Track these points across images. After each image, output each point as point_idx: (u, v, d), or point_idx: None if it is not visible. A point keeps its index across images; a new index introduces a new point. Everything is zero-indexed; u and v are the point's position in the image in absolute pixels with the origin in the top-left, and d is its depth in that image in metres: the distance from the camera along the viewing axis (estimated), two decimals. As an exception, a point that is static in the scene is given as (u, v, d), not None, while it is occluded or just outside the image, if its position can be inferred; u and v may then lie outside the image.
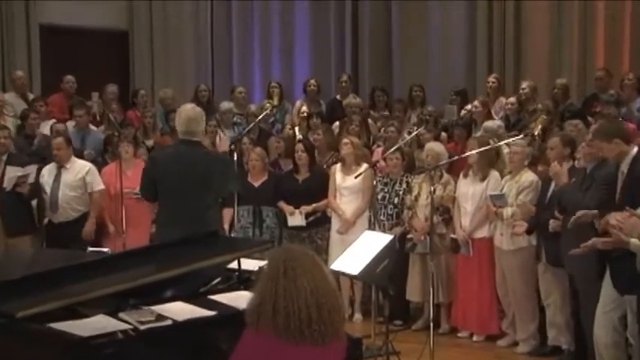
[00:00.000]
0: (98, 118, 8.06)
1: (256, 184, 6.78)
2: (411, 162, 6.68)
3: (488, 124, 6.79)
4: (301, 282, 2.46)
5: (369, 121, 8.11)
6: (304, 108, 8.33)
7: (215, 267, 3.48)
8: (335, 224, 6.58)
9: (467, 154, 5.83)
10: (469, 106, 7.64)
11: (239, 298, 3.08)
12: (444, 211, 6.11)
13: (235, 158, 5.65)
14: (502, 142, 5.94)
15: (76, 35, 9.57)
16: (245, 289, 3.25)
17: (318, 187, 6.61)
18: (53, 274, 3.10)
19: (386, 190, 6.52)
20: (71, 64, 9.08)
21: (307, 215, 6.58)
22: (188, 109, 4.67)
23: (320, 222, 6.64)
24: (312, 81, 8.87)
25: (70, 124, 7.64)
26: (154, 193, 4.59)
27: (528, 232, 5.51)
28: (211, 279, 3.48)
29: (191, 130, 4.57)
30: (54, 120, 7.76)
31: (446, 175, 6.26)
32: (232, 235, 6.38)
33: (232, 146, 5.74)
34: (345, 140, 6.62)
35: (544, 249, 5.39)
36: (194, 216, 4.40)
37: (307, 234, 6.61)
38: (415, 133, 6.88)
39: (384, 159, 6.50)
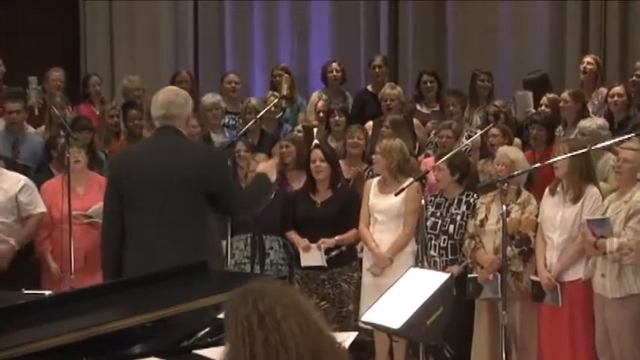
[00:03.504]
0: (37, 112, 8.12)
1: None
2: (473, 177, 6.68)
3: (586, 123, 6.80)
4: (288, 325, 2.37)
5: (415, 121, 8.13)
6: (321, 103, 8.38)
7: (202, 312, 3.50)
8: (367, 262, 6.58)
9: (555, 159, 5.83)
10: (544, 98, 7.61)
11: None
12: (522, 241, 6.09)
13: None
14: (604, 144, 5.93)
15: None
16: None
17: (343, 212, 6.61)
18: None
19: (438, 214, 6.53)
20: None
21: (328, 251, 6.59)
22: (168, 90, 4.78)
23: (345, 259, 6.65)
24: (335, 65, 8.93)
25: (-2, 122, 7.73)
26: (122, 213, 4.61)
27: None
28: (197, 328, 3.50)
29: (171, 113, 4.62)
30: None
31: (525, 193, 6.26)
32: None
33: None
34: (381, 145, 6.62)
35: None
36: (176, 236, 4.42)
37: (328, 275, 6.62)
38: (479, 135, 6.88)
39: (433, 169, 6.52)
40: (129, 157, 4.90)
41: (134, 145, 6.76)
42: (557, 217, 6.00)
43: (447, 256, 6.43)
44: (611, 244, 5.65)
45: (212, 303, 3.53)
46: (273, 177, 4.91)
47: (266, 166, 4.95)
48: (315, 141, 7.59)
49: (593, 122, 6.83)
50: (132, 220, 4.58)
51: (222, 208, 4.72)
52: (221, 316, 3.65)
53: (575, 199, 5.96)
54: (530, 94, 7.79)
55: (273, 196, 6.74)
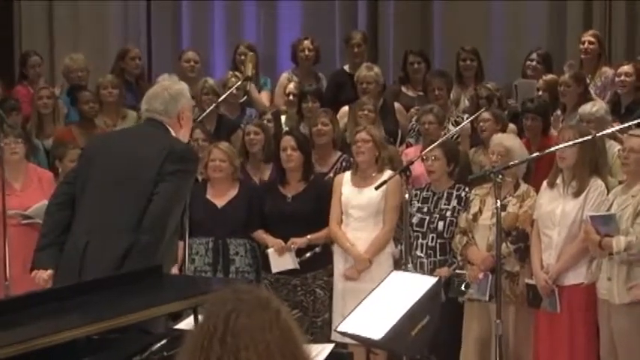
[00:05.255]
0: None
1: (220, 202, 6.80)
2: (464, 168, 6.71)
3: (586, 108, 6.84)
4: (247, 357, 2.40)
5: (397, 105, 8.15)
6: (292, 85, 8.38)
7: (158, 322, 3.54)
8: (340, 265, 6.61)
9: (561, 146, 5.85)
10: (541, 81, 7.67)
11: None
12: (519, 237, 6.13)
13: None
14: (609, 131, 5.99)
15: None
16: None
17: (318, 207, 6.64)
18: None
19: (425, 209, 6.55)
20: None
21: (300, 252, 6.61)
22: (161, 84, 4.99)
23: (320, 262, 6.68)
24: (307, 43, 8.92)
25: None
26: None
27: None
28: (152, 341, 3.51)
29: (154, 108, 4.73)
30: None
31: (524, 185, 6.30)
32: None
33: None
34: (360, 134, 6.65)
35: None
36: (127, 235, 4.41)
37: (301, 281, 6.64)
38: (469, 120, 6.90)
39: (423, 160, 6.54)
40: (100, 141, 5.11)
41: (116, 130, 7.00)
42: (556, 212, 6.04)
43: (435, 256, 6.46)
44: (618, 243, 5.67)
45: (168, 312, 3.54)
46: None
47: None
48: (286, 127, 7.61)
49: (594, 106, 6.85)
50: (82, 207, 4.61)
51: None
52: (180, 326, 3.68)
53: (578, 193, 6.00)
54: (534, 82, 7.82)
55: (236, 192, 6.77)
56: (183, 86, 4.94)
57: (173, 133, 4.73)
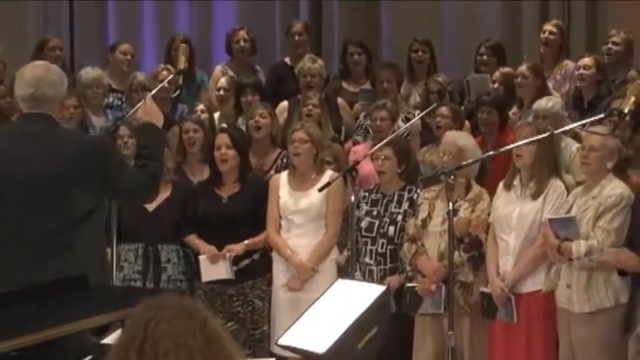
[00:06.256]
0: None
1: (150, 205, 6.67)
2: (413, 168, 6.74)
3: (541, 103, 6.89)
4: None
5: (340, 100, 8.15)
6: (224, 79, 8.35)
7: (82, 336, 3.47)
8: (280, 275, 6.60)
9: (516, 144, 5.88)
10: (497, 73, 7.73)
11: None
12: (473, 244, 6.16)
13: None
14: (570, 127, 6.05)
15: None
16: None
17: (255, 209, 6.64)
18: None
19: (374, 213, 6.56)
20: None
21: (237, 259, 6.59)
22: (36, 65, 4.66)
23: (258, 270, 6.67)
24: (242, 33, 8.92)
25: None
26: None
27: (620, 270, 5.60)
28: (75, 357, 3.47)
29: (42, 93, 4.51)
30: None
31: (476, 187, 6.32)
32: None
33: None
34: (297, 133, 6.64)
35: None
36: (47, 242, 4.36)
37: (238, 290, 6.62)
38: (421, 115, 6.92)
39: (372, 158, 6.53)
40: None
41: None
42: (513, 215, 6.07)
43: (385, 264, 6.48)
44: (578, 247, 5.71)
45: (94, 325, 3.50)
46: (159, 121, 4.82)
47: (147, 111, 4.80)
48: (224, 124, 7.58)
49: (549, 101, 6.91)
50: None
51: (121, 199, 4.75)
52: (107, 340, 3.63)
53: (536, 194, 6.04)
54: (488, 77, 7.87)
55: (168, 194, 6.73)
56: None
57: None
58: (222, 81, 8.30)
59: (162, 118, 4.86)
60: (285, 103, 7.99)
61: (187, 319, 2.51)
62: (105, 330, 4.02)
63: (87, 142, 4.70)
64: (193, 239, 6.66)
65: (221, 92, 8.20)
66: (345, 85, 8.53)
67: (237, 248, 6.56)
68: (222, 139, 6.69)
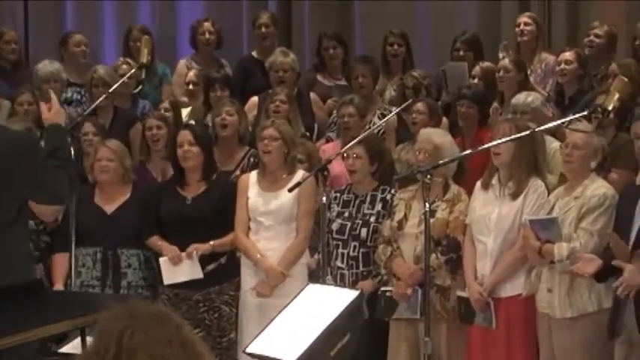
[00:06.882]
0: None
1: (109, 208, 6.75)
2: (388, 167, 6.73)
3: (520, 98, 6.92)
4: None
5: (312, 95, 8.15)
6: (192, 73, 8.33)
7: (29, 346, 3.45)
8: (248, 279, 6.59)
9: (496, 142, 5.88)
10: (477, 68, 7.76)
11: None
12: (450, 247, 6.17)
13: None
14: (552, 124, 6.05)
15: None
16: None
17: (221, 210, 6.63)
18: None
19: (346, 214, 6.56)
20: None
21: (202, 263, 6.56)
22: None
23: (225, 274, 6.66)
24: (207, 25, 8.91)
25: None
26: None
27: (599, 275, 5.55)
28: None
29: None
30: None
31: (454, 187, 6.33)
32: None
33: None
34: (267, 130, 6.61)
35: (630, 315, 5.44)
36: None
37: (204, 296, 6.60)
38: (395, 112, 6.91)
39: (343, 157, 6.52)
40: None
41: None
42: (491, 216, 6.07)
43: (357, 267, 6.48)
44: (560, 250, 5.71)
45: (52, 333, 3.48)
46: (63, 119, 4.84)
47: (53, 110, 4.81)
48: (187, 120, 7.56)
49: (528, 96, 6.92)
50: None
51: (41, 199, 4.70)
52: (65, 349, 3.60)
53: (515, 194, 6.04)
54: (465, 65, 7.88)
55: (128, 196, 6.70)
56: None
57: None
58: (191, 74, 8.29)
59: (64, 115, 4.90)
60: (255, 99, 7.97)
61: (161, 326, 2.51)
62: (63, 339, 4.00)
63: (14, 137, 4.68)
64: (156, 241, 6.63)
65: (190, 86, 8.19)
66: (320, 78, 8.53)
67: (203, 247, 6.54)
68: (185, 135, 6.66)
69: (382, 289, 6.29)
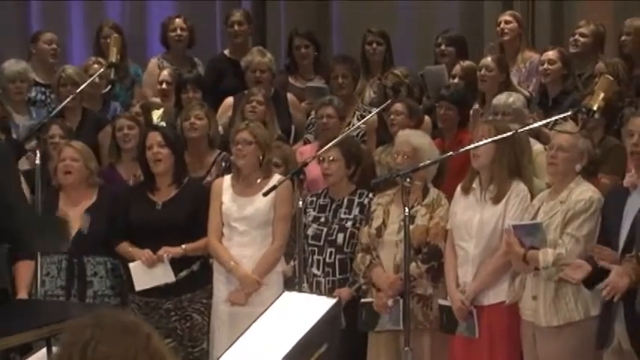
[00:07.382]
0: None
1: (74, 212, 6.72)
2: (367, 170, 6.74)
3: (501, 98, 6.94)
4: None
5: (290, 96, 8.16)
6: (166, 72, 8.32)
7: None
8: (221, 287, 6.58)
9: (476, 144, 5.88)
10: (457, 67, 7.77)
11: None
12: (431, 254, 6.17)
13: (37, 162, 5.46)
14: (535, 125, 6.06)
15: None
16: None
17: (193, 216, 6.62)
18: None
19: (322, 220, 6.56)
20: None
21: (175, 268, 6.55)
22: None
23: (197, 282, 6.65)
24: (178, 21, 8.89)
25: None
26: None
27: (587, 282, 5.56)
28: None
29: None
30: None
31: (434, 191, 6.33)
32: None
33: (30, 142, 5.75)
34: (241, 134, 6.60)
35: (620, 323, 5.48)
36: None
37: (174, 304, 6.59)
38: (375, 113, 6.93)
39: (319, 161, 6.52)
40: None
41: None
42: (472, 221, 6.08)
43: (334, 275, 6.48)
44: (545, 256, 5.71)
45: (16, 344, 3.46)
46: None
47: None
48: (157, 121, 7.53)
49: (509, 97, 6.93)
50: None
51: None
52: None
53: (497, 199, 6.05)
54: (443, 67, 7.88)
55: (93, 200, 6.68)
56: None
57: None
58: (165, 74, 8.28)
59: None
60: (230, 100, 7.96)
61: (128, 337, 2.50)
62: (28, 349, 3.98)
63: None
64: (126, 247, 6.62)
65: (163, 86, 8.17)
66: (291, 80, 8.52)
67: (175, 250, 6.53)
68: (154, 137, 6.65)
69: (363, 300, 6.29)
